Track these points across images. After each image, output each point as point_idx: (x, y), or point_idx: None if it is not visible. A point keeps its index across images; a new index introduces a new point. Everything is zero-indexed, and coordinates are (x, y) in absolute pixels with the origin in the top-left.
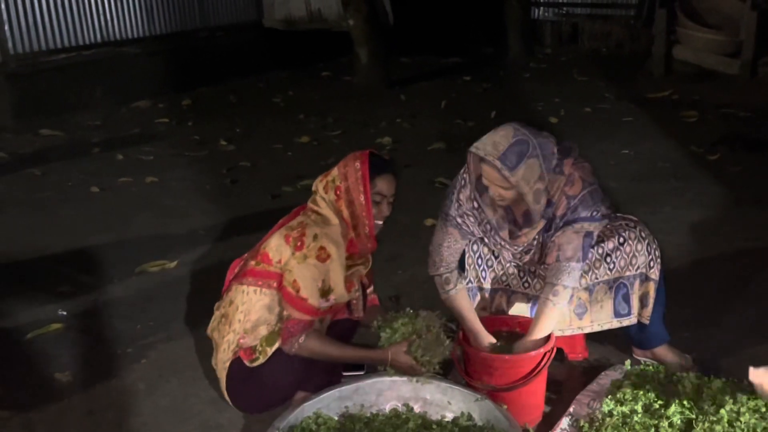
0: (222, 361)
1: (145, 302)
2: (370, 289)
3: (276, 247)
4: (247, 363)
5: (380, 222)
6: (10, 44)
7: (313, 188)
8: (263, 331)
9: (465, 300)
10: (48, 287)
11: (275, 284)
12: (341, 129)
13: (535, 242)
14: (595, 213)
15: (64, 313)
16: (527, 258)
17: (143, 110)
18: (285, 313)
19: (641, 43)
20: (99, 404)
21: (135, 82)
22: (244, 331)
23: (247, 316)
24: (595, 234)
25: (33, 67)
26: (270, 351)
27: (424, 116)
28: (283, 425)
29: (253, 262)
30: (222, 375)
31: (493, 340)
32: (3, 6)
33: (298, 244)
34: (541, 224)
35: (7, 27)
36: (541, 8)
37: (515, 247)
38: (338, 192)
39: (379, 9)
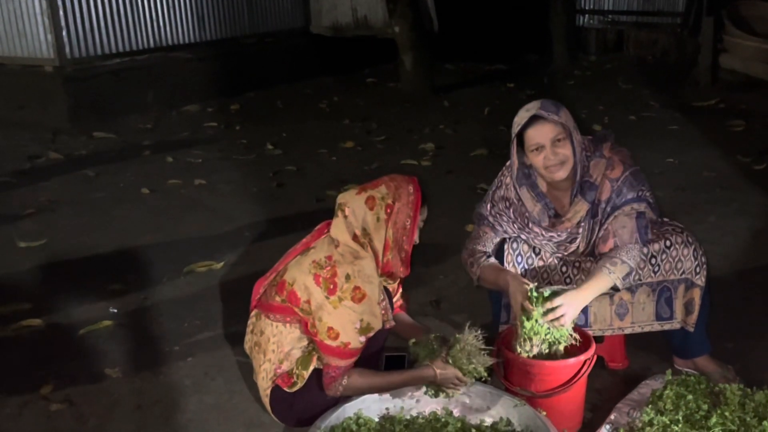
0: (263, 388)
1: (192, 301)
2: (398, 294)
3: (305, 286)
4: (286, 389)
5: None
6: (67, 49)
7: (340, 200)
8: (297, 353)
9: (492, 267)
10: (100, 285)
11: (300, 318)
12: (385, 134)
13: (580, 230)
14: (641, 193)
15: (115, 310)
16: (572, 248)
17: (193, 114)
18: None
19: (687, 51)
20: (147, 400)
21: (185, 87)
22: (279, 361)
23: (280, 348)
24: (647, 215)
25: (88, 71)
26: (306, 374)
27: (467, 123)
28: (324, 425)
29: (278, 298)
30: (266, 401)
31: (530, 284)
32: (62, 12)
33: (331, 287)
34: (585, 208)
35: (65, 33)
36: (586, 16)
37: (559, 234)
38: (389, 210)
39: (425, 16)
